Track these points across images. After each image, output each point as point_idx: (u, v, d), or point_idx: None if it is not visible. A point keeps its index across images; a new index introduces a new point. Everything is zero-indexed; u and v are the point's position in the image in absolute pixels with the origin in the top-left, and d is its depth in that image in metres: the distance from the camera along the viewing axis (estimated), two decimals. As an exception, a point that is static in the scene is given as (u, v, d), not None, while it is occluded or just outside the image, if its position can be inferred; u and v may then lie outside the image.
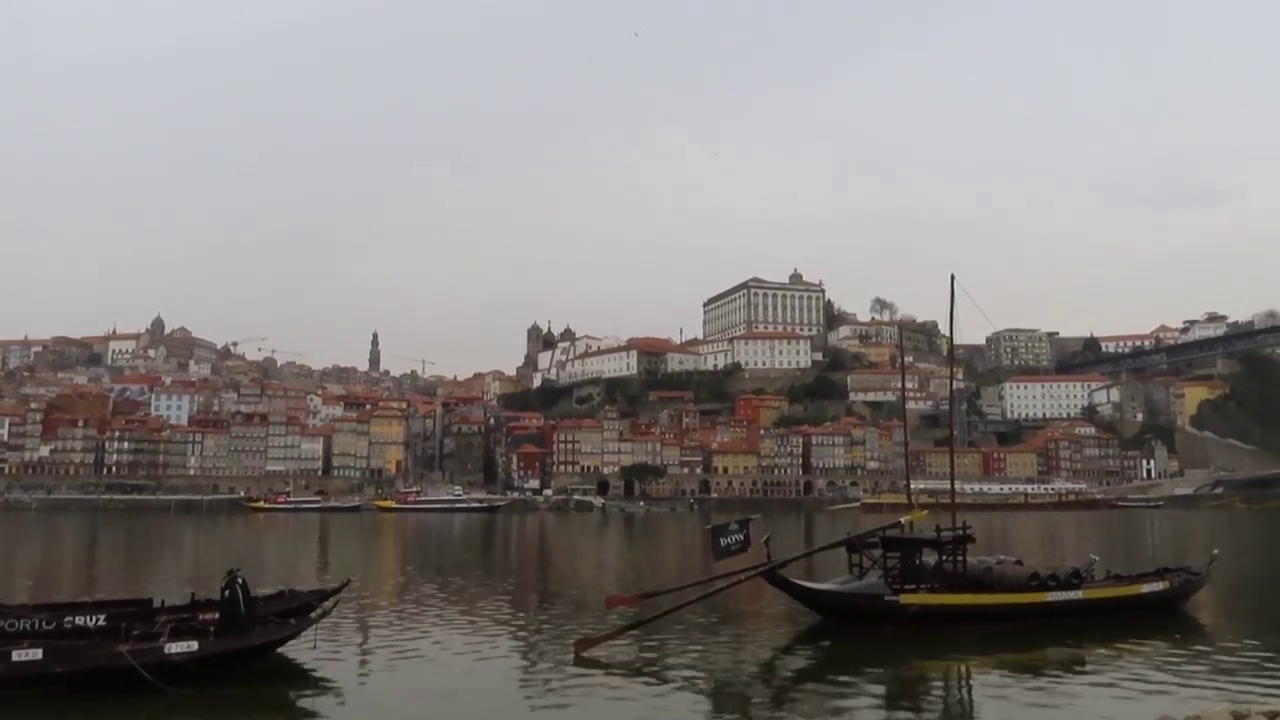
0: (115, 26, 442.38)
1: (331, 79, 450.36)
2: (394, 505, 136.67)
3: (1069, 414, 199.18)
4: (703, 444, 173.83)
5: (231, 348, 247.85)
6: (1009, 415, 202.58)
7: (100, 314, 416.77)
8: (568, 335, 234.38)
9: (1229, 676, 15.69)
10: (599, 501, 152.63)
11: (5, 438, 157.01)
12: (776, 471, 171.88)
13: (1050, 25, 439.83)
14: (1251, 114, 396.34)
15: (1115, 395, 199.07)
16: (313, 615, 16.92)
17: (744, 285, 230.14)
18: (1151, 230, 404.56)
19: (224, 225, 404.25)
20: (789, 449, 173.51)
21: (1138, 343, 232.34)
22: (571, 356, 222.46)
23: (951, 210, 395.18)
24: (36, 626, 15.70)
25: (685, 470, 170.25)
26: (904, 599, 20.08)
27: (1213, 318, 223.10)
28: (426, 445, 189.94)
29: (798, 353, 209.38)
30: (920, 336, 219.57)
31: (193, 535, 69.28)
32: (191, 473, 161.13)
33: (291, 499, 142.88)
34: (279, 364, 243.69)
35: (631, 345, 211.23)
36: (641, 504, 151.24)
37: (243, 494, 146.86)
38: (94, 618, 16.35)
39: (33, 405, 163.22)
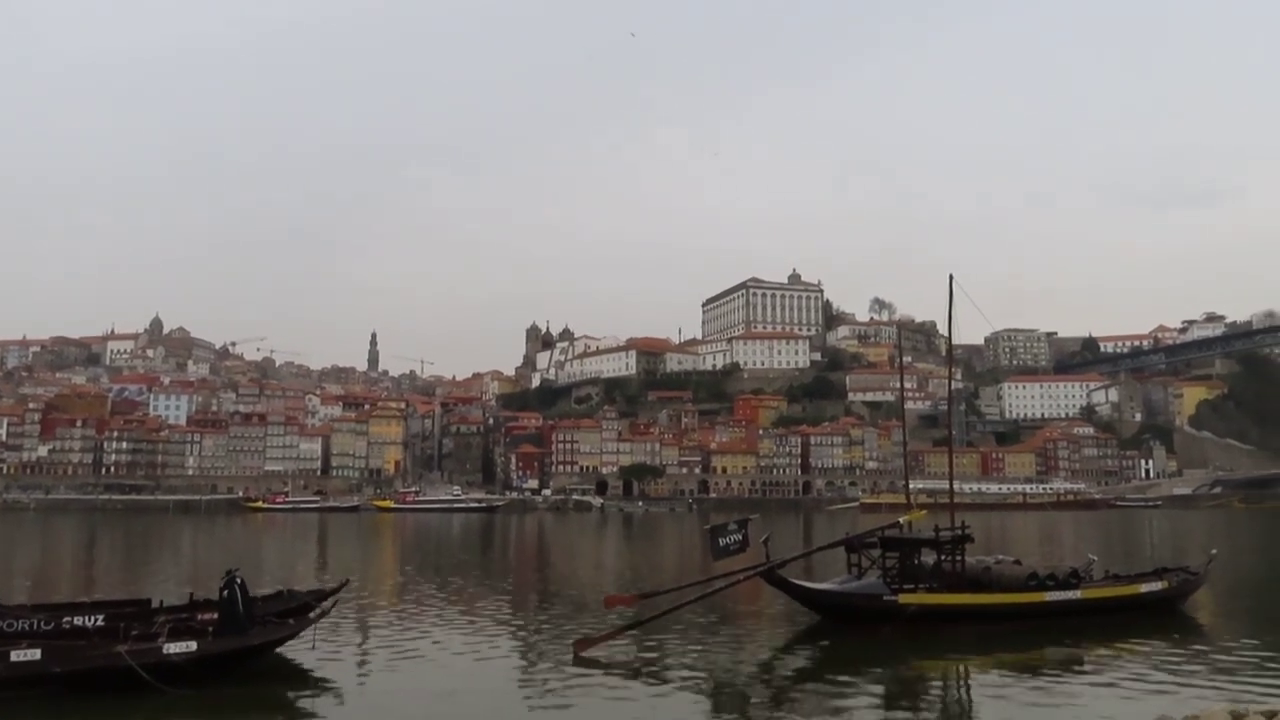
0: (115, 26, 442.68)
1: (331, 79, 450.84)
2: (393, 505, 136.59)
3: (1067, 414, 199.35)
4: (701, 444, 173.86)
5: (230, 348, 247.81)
6: (1007, 415, 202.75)
7: (99, 314, 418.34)
8: (566, 335, 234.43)
9: (1227, 676, 15.70)
10: (598, 501, 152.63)
11: (3, 438, 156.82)
12: (775, 471, 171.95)
13: (1050, 25, 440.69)
14: (1251, 114, 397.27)
15: (1114, 395, 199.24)
16: (311, 615, 16.91)
17: (743, 285, 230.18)
18: (1151, 230, 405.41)
19: (224, 225, 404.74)
20: (788, 449, 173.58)
21: (1136, 343, 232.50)
22: (570, 356, 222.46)
23: (951, 210, 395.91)
24: (35, 627, 15.68)
25: (684, 470, 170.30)
26: (903, 599, 20.09)
27: (1211, 318, 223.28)
28: (425, 445, 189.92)
29: (796, 353, 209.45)
30: (919, 336, 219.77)
31: (191, 535, 69.23)
32: (190, 473, 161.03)
33: (290, 499, 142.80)
34: (278, 364, 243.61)
35: (630, 345, 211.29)
36: (640, 504, 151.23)
37: (241, 494, 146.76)
38: (92, 618, 16.33)
39: (31, 405, 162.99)
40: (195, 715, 13.57)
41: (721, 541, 20.25)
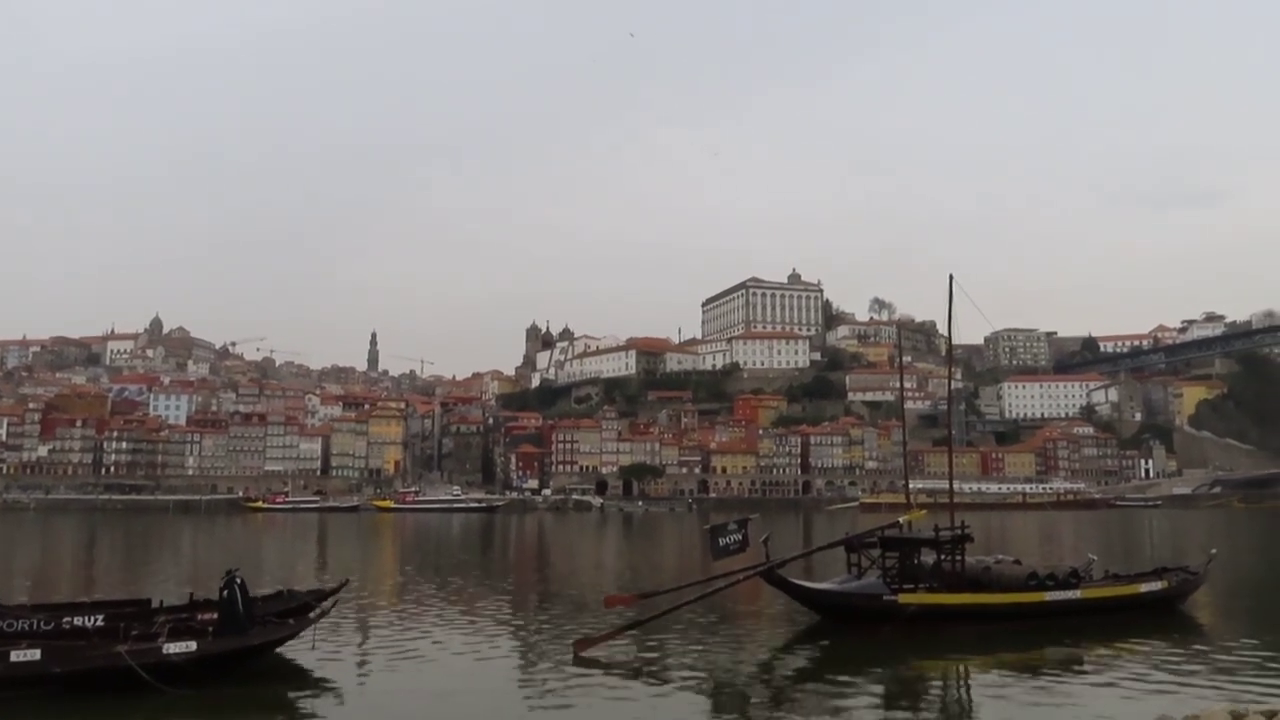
0: (115, 26, 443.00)
1: (331, 79, 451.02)
2: (392, 505, 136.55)
3: (1067, 414, 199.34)
4: (701, 444, 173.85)
5: (230, 348, 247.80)
6: (1007, 415, 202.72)
7: (99, 314, 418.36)
8: (566, 335, 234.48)
9: (1227, 676, 15.70)
10: (597, 501, 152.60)
11: (3, 438, 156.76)
12: (775, 471, 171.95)
13: (1050, 25, 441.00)
14: (1251, 114, 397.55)
15: (1113, 395, 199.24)
16: (311, 615, 16.90)
17: (742, 285, 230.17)
18: (1151, 230, 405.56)
19: (224, 225, 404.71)
20: (787, 449, 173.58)
21: (1136, 342, 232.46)
22: (570, 356, 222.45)
23: (951, 210, 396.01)
24: (35, 627, 15.68)
25: (684, 470, 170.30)
26: (902, 599, 20.09)
27: (1211, 317, 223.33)
28: (425, 445, 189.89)
29: (796, 352, 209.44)
30: (919, 336, 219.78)
31: (191, 535, 69.22)
32: (190, 473, 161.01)
33: (290, 499, 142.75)
34: (277, 364, 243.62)
35: (630, 345, 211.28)
36: (640, 504, 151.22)
37: (241, 494, 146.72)
38: (92, 618, 16.32)
39: (31, 405, 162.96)
40: (195, 715, 13.57)
41: (721, 541, 20.25)
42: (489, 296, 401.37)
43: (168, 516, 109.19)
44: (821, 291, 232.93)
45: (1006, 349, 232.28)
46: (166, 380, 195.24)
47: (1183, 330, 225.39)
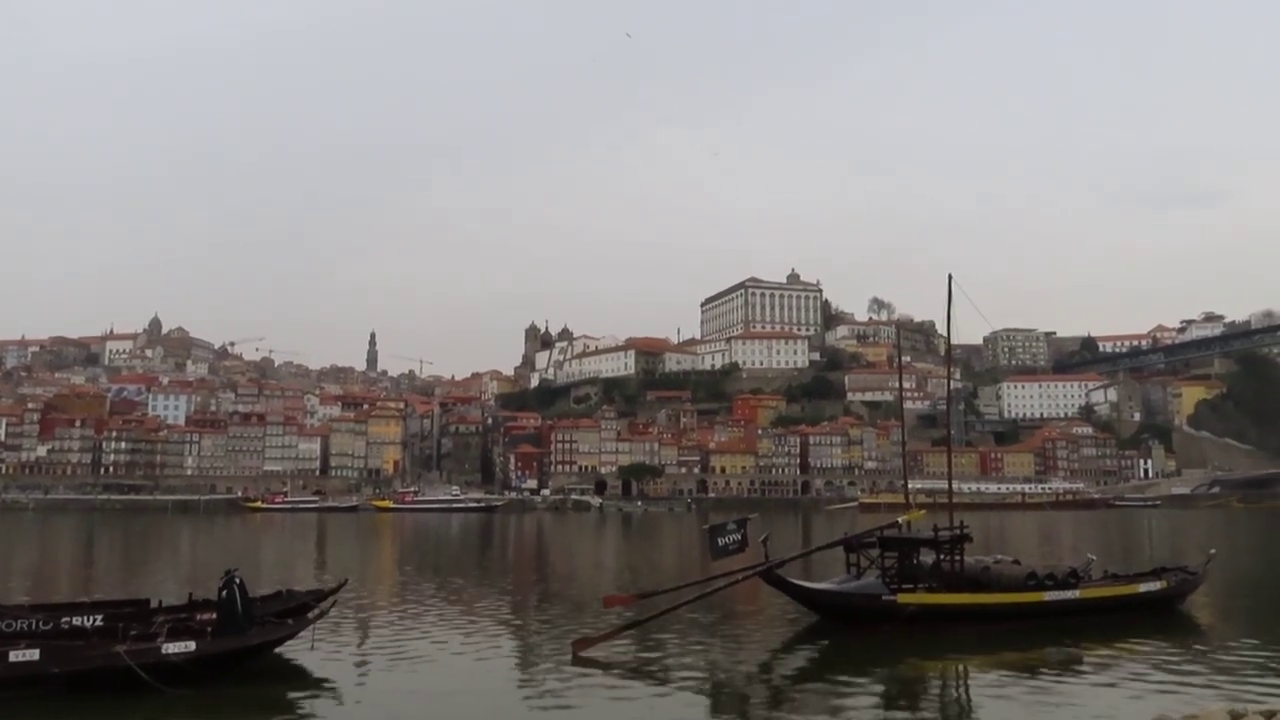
0: (115, 26, 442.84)
1: (331, 79, 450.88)
2: (391, 505, 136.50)
3: (1066, 414, 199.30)
4: (700, 444, 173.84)
5: (229, 348, 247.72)
6: (1006, 415, 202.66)
7: (98, 314, 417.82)
8: (565, 335, 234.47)
9: (1226, 675, 15.71)
10: (596, 501, 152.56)
11: (2, 438, 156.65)
12: (774, 471, 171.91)
13: (1050, 25, 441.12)
14: (1251, 114, 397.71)
15: (1112, 395, 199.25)
16: (310, 615, 16.89)
17: (741, 285, 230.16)
18: (1151, 230, 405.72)
19: (224, 225, 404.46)
20: (786, 449, 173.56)
21: (1135, 342, 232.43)
22: (569, 356, 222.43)
23: (951, 210, 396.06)
24: (34, 627, 15.67)
25: (683, 470, 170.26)
26: (901, 599, 20.10)
27: (1210, 317, 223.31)
28: (424, 445, 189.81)
29: (795, 352, 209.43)
30: (918, 336, 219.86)
31: (190, 535, 69.20)
32: (189, 473, 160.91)
33: (289, 499, 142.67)
34: (276, 364, 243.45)
35: (629, 345, 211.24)
36: (639, 504, 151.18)
37: (240, 494, 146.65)
38: (91, 618, 16.33)
39: (30, 405, 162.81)
40: (194, 715, 13.57)
41: (720, 541, 20.25)
42: (489, 296, 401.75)
43: (166, 516, 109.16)
44: (821, 291, 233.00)
45: (1005, 349, 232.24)
46: (165, 380, 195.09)
47: (1182, 330, 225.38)
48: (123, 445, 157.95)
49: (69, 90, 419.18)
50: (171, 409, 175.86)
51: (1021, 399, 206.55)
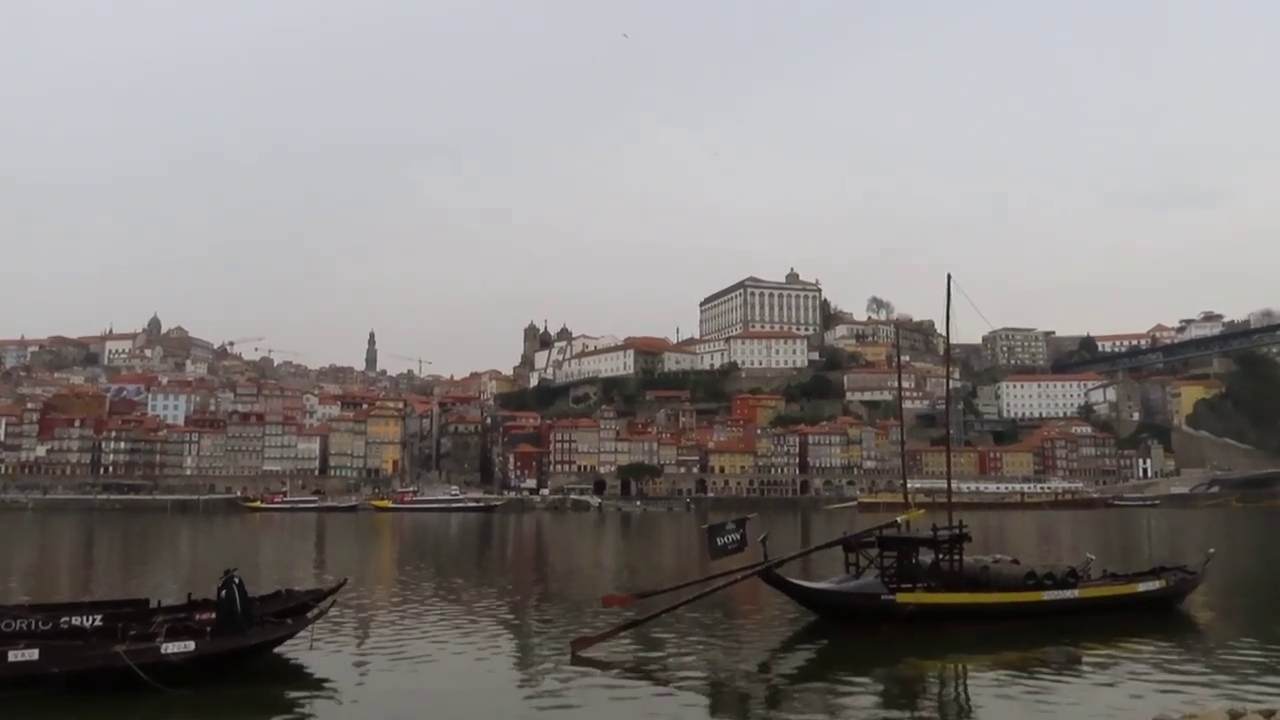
0: (115, 26, 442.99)
1: (331, 79, 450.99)
2: (391, 505, 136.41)
3: (1065, 413, 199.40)
4: (699, 443, 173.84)
5: (228, 347, 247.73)
6: (1005, 414, 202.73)
7: (97, 314, 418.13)
8: (565, 335, 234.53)
9: (1225, 675, 15.71)
10: (595, 501, 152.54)
11: (2, 438, 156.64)
12: (773, 471, 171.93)
13: (1050, 25, 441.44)
14: (1251, 114, 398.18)
15: (1112, 394, 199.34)
16: (309, 615, 16.89)
17: (740, 285, 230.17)
18: (1151, 230, 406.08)
19: (223, 225, 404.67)
20: (785, 448, 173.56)
21: (1134, 342, 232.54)
22: (568, 356, 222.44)
23: (951, 210, 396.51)
24: (33, 627, 15.66)
25: (682, 470, 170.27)
26: (900, 598, 20.10)
27: (1209, 317, 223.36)
28: (423, 445, 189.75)
29: (794, 352, 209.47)
30: (917, 336, 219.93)
31: (189, 535, 69.16)
32: (188, 472, 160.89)
33: (288, 499, 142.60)
34: (276, 364, 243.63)
35: (628, 345, 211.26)
36: (638, 503, 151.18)
37: (239, 494, 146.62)
38: (90, 618, 16.31)
39: (29, 405, 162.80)
40: (193, 715, 13.56)
41: (719, 541, 20.25)
42: (488, 296, 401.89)
43: (166, 516, 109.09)
44: (820, 291, 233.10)
45: (1005, 348, 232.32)
46: (165, 380, 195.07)
47: (1181, 330, 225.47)
48: (122, 445, 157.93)
49: (69, 90, 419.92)
50: (171, 409, 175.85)
51: (1020, 399, 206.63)
